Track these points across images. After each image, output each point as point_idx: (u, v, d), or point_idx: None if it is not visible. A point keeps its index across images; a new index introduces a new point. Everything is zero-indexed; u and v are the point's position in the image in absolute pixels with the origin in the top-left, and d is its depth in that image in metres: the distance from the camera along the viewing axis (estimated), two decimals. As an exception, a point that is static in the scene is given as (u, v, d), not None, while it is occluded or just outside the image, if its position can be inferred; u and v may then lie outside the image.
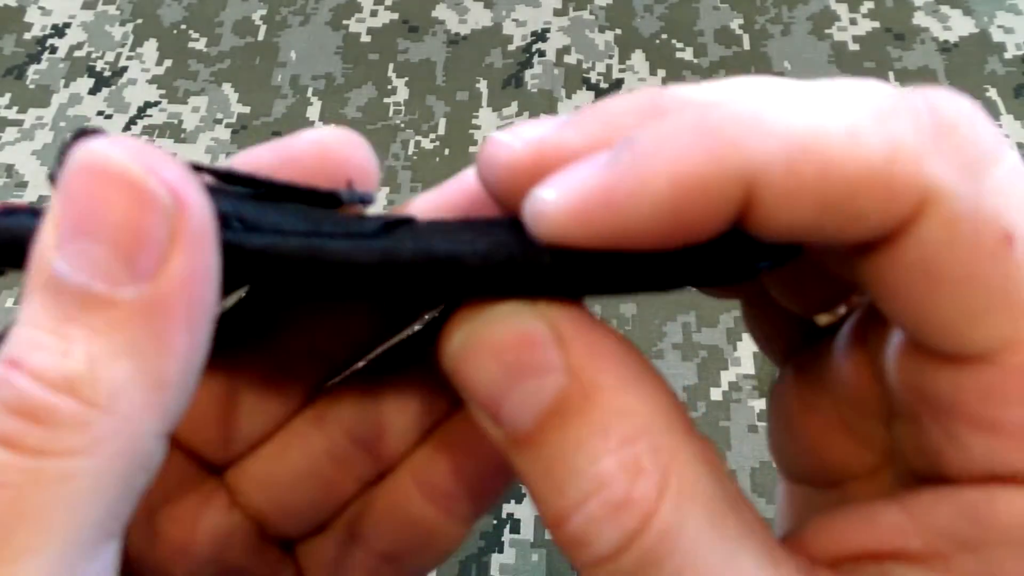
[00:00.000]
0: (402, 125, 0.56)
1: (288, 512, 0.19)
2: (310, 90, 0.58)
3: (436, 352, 0.14)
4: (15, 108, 0.58)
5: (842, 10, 0.62)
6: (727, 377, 0.45)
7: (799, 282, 0.15)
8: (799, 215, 0.12)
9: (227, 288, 0.13)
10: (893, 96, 0.12)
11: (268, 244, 0.13)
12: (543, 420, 0.12)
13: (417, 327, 0.19)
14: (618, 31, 0.62)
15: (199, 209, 0.12)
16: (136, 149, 0.11)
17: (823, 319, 0.16)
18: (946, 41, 0.60)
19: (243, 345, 0.17)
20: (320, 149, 0.15)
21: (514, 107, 0.57)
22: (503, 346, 0.13)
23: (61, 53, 0.61)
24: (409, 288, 0.13)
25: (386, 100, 0.58)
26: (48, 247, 0.11)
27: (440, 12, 0.63)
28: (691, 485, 0.12)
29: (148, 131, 0.56)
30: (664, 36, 0.61)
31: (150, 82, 0.59)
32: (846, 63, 0.59)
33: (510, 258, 0.13)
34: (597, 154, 0.12)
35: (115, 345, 0.11)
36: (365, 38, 0.62)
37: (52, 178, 0.13)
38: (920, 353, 0.13)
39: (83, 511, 0.11)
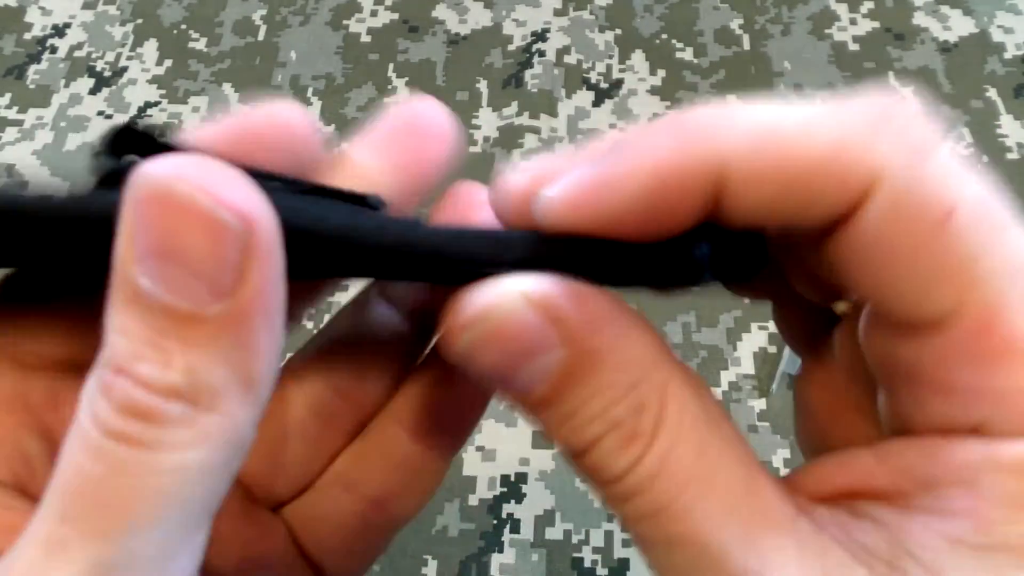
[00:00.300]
0: (402, 125, 0.56)
1: (276, 471, 0.19)
2: (310, 90, 0.58)
3: (442, 347, 0.15)
4: (15, 108, 0.58)
5: (842, 10, 0.62)
6: (727, 377, 0.45)
7: (815, 275, 0.17)
8: (763, 197, 0.13)
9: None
10: (850, 101, 0.13)
11: (311, 224, 0.14)
12: (553, 387, 0.14)
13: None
14: (618, 31, 0.62)
15: (267, 224, 0.13)
16: (199, 173, 0.12)
17: (840, 307, 0.17)
18: (946, 41, 0.60)
19: None
20: (270, 122, 0.16)
21: (514, 107, 0.57)
22: (505, 338, 0.14)
23: (61, 53, 0.61)
24: (424, 271, 0.15)
25: (386, 100, 0.58)
26: (127, 260, 0.12)
27: (440, 12, 0.63)
28: (680, 411, 0.14)
29: (148, 131, 0.56)
30: (664, 36, 0.61)
31: (150, 82, 0.59)
32: (846, 63, 0.59)
33: (519, 260, 0.15)
34: (594, 157, 0.14)
35: (208, 354, 0.12)
36: (365, 38, 0.62)
37: (94, 170, 0.14)
38: (884, 325, 0.14)
39: (191, 493, 0.13)
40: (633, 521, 0.15)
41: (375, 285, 0.20)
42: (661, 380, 0.14)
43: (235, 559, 0.18)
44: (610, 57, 0.60)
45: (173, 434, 0.12)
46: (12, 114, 0.57)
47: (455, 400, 0.20)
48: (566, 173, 0.14)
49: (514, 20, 0.62)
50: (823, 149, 0.13)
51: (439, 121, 0.18)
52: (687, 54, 0.60)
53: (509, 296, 0.14)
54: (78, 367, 0.17)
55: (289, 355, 0.20)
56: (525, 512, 0.41)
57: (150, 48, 0.61)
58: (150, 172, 0.12)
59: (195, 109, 0.57)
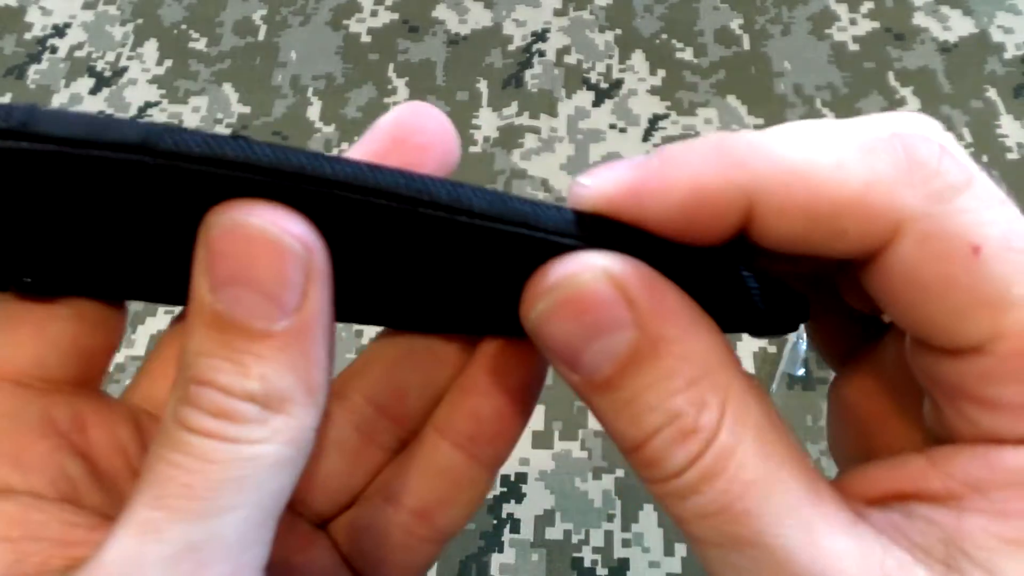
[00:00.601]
0: (402, 125, 0.56)
1: (321, 488, 0.20)
2: (310, 90, 0.58)
3: (520, 314, 0.16)
4: (15, 108, 0.58)
5: (842, 10, 0.62)
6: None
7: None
8: (791, 227, 0.14)
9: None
10: (883, 135, 0.14)
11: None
12: (618, 369, 0.15)
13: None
14: (618, 31, 0.62)
15: (321, 250, 0.15)
16: (264, 210, 0.14)
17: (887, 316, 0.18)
18: (946, 41, 0.60)
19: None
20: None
21: (514, 107, 0.57)
22: (580, 308, 0.14)
23: (61, 53, 0.61)
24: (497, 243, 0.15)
25: (386, 100, 0.58)
26: (203, 291, 0.14)
27: (440, 12, 0.63)
28: (743, 414, 0.15)
29: (148, 131, 0.56)
30: (664, 36, 0.61)
31: (150, 82, 0.59)
32: (846, 63, 0.59)
33: (585, 238, 0.15)
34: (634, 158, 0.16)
35: (278, 365, 0.14)
36: (365, 38, 0.62)
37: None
38: (925, 347, 0.15)
39: (265, 483, 0.15)
40: (689, 520, 0.15)
41: None
42: (725, 380, 0.15)
43: (279, 570, 0.19)
44: (610, 57, 0.60)
45: (251, 431, 0.14)
46: (12, 114, 0.57)
47: (498, 411, 0.20)
48: (607, 169, 0.15)
49: (514, 20, 0.62)
50: (851, 191, 0.14)
51: (438, 125, 0.18)
52: (687, 54, 0.60)
53: (591, 269, 0.15)
54: (86, 384, 0.18)
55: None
56: (525, 512, 0.41)
57: (150, 48, 0.61)
58: (230, 213, 0.14)
59: (195, 109, 0.57)
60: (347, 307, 0.17)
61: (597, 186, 0.15)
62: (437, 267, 0.16)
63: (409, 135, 0.18)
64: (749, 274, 0.16)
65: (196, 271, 0.14)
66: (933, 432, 0.16)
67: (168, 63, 0.60)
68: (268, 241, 0.14)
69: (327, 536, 0.21)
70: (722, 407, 0.14)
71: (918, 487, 0.15)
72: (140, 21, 0.63)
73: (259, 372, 0.14)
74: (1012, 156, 0.54)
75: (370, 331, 0.47)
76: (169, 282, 0.17)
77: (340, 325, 0.21)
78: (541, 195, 0.52)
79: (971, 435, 0.15)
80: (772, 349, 0.46)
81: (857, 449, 0.19)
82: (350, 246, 0.15)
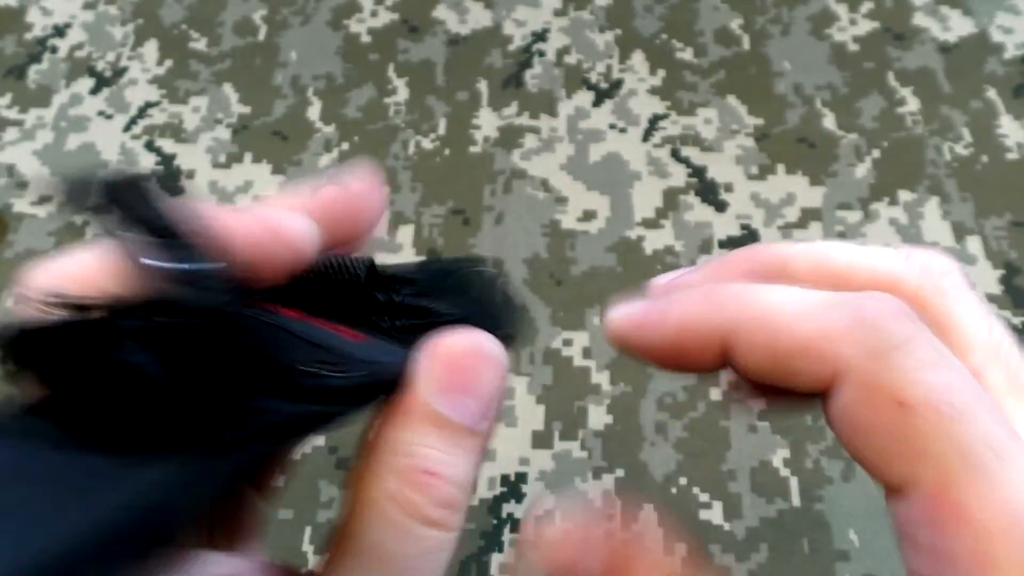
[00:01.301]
0: (402, 125, 0.56)
1: None
2: (310, 90, 0.58)
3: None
4: (16, 108, 0.58)
5: (842, 10, 0.62)
6: (727, 377, 0.45)
7: None
8: (757, 362, 0.17)
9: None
10: (854, 296, 0.17)
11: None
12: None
13: None
14: (618, 31, 0.62)
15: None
16: (484, 339, 0.18)
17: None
18: (946, 41, 0.60)
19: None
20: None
21: (514, 107, 0.57)
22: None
23: (62, 53, 0.61)
24: None
25: (386, 100, 0.58)
26: (428, 393, 0.17)
27: (440, 12, 0.63)
28: None
29: (148, 131, 0.56)
30: (664, 36, 0.61)
31: (151, 82, 0.59)
32: (846, 63, 0.59)
33: None
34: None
35: (474, 459, 0.17)
36: (365, 38, 0.62)
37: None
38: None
39: (445, 567, 0.17)
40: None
41: None
42: None
43: None
44: (610, 57, 0.60)
45: (456, 519, 0.17)
46: (12, 114, 0.57)
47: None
48: (628, 305, 0.19)
49: (514, 20, 0.62)
50: (803, 338, 0.16)
51: (371, 197, 0.21)
52: (687, 54, 0.60)
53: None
54: None
55: None
56: (525, 512, 0.41)
57: (150, 48, 0.61)
58: (473, 337, 0.17)
59: (195, 109, 0.57)
60: None
61: (615, 320, 0.19)
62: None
63: (346, 207, 0.21)
64: None
65: (422, 378, 0.17)
66: None
67: (168, 63, 0.60)
68: (497, 360, 0.18)
69: None
70: None
71: None
72: (140, 21, 0.63)
73: (465, 465, 0.17)
74: (1012, 156, 0.54)
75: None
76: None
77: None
78: (541, 195, 0.52)
79: (916, 571, 0.16)
80: (772, 349, 0.46)
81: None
82: None
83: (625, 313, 0.19)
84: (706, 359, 0.18)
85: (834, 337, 0.16)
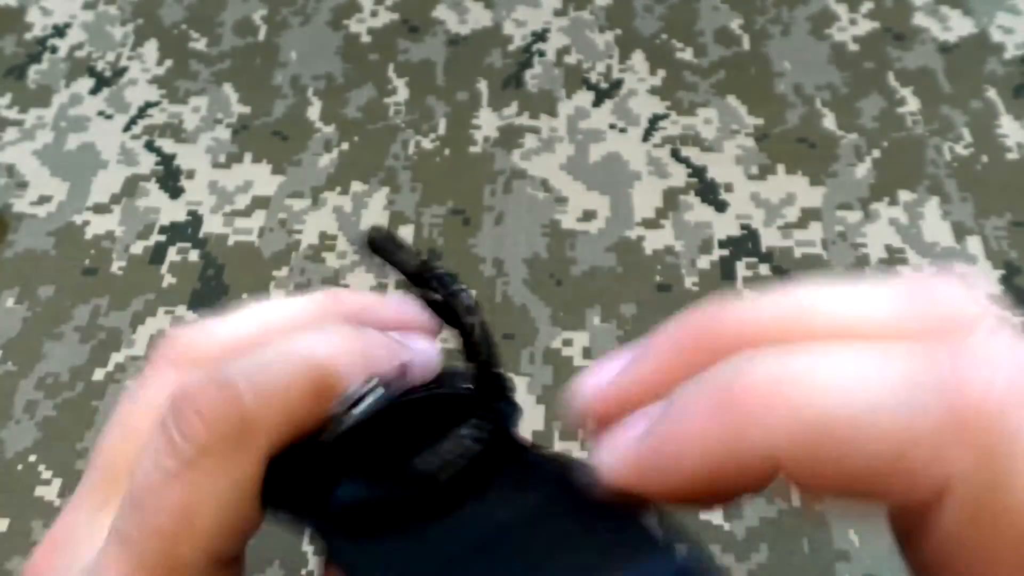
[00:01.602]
0: (402, 125, 0.56)
1: None
2: (310, 90, 0.58)
3: None
4: (16, 108, 0.58)
5: (842, 10, 0.62)
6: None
7: None
8: (823, 485, 0.12)
9: None
10: (918, 364, 0.12)
11: None
12: None
13: None
14: (618, 31, 0.62)
15: None
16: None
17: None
18: (946, 41, 0.60)
19: None
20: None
21: (514, 107, 0.57)
22: None
23: (62, 53, 0.61)
24: None
25: (386, 100, 0.58)
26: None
27: (440, 12, 0.63)
28: None
29: (148, 131, 0.56)
30: (664, 36, 0.61)
31: (150, 82, 0.59)
32: (846, 63, 0.59)
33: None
34: (642, 412, 0.15)
35: None
36: (365, 38, 0.62)
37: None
38: None
39: None
40: None
41: None
42: None
43: None
44: (610, 57, 0.60)
45: None
46: (12, 114, 0.57)
47: None
48: (620, 430, 0.15)
49: (514, 20, 0.62)
50: (889, 451, 0.12)
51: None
52: (687, 54, 0.60)
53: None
54: None
55: None
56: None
57: (150, 48, 0.61)
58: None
59: (195, 109, 0.57)
60: None
61: (621, 460, 0.15)
62: None
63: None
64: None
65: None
66: None
67: (168, 63, 0.60)
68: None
69: None
70: None
71: None
72: (140, 21, 0.63)
73: None
74: (1012, 156, 0.54)
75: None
76: None
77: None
78: (541, 195, 0.52)
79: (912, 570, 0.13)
80: (772, 349, 0.46)
81: None
82: None
83: (614, 456, 0.15)
84: (747, 486, 0.13)
85: (930, 447, 0.12)
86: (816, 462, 0.12)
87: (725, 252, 0.50)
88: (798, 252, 0.50)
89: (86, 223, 0.51)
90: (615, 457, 0.15)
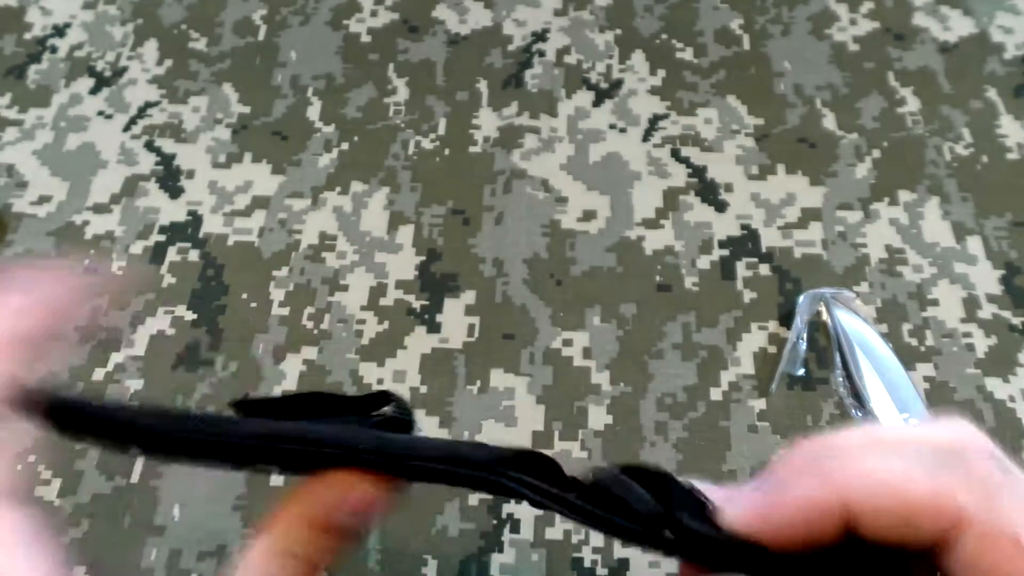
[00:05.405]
0: (402, 125, 0.56)
1: None
2: (310, 90, 0.58)
3: None
4: (15, 108, 0.58)
5: (842, 10, 0.62)
6: (727, 377, 0.45)
7: None
8: (883, 525, 0.19)
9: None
10: (943, 450, 0.19)
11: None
12: None
13: None
14: (618, 31, 0.62)
15: None
16: None
17: None
18: (946, 41, 0.60)
19: None
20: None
21: (514, 107, 0.57)
22: None
23: (61, 53, 0.61)
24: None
25: (386, 100, 0.58)
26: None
27: (440, 12, 0.63)
28: None
29: (148, 131, 0.56)
30: (664, 36, 0.61)
31: (150, 82, 0.59)
32: (846, 63, 0.59)
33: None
34: (750, 483, 0.21)
35: None
36: (365, 38, 0.62)
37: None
38: None
39: None
40: None
41: None
42: None
43: None
44: (610, 57, 0.60)
45: None
46: (12, 114, 0.57)
47: None
48: (744, 496, 0.20)
49: (514, 20, 0.62)
50: (923, 496, 0.18)
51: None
52: (687, 54, 0.60)
53: None
54: None
55: None
56: (525, 512, 0.41)
57: (150, 48, 0.61)
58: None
59: (195, 109, 0.57)
60: None
61: (743, 513, 0.20)
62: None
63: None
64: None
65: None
66: None
67: (168, 63, 0.60)
68: None
69: None
70: None
71: None
72: (140, 21, 0.63)
73: None
74: (1012, 156, 0.54)
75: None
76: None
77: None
78: (541, 195, 0.52)
79: None
80: (772, 349, 0.46)
81: None
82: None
83: (745, 508, 0.20)
84: (828, 530, 0.19)
85: (949, 491, 0.18)
86: (878, 505, 0.19)
87: (725, 252, 0.50)
88: (798, 252, 0.50)
89: (86, 223, 0.51)
90: (739, 511, 0.20)
